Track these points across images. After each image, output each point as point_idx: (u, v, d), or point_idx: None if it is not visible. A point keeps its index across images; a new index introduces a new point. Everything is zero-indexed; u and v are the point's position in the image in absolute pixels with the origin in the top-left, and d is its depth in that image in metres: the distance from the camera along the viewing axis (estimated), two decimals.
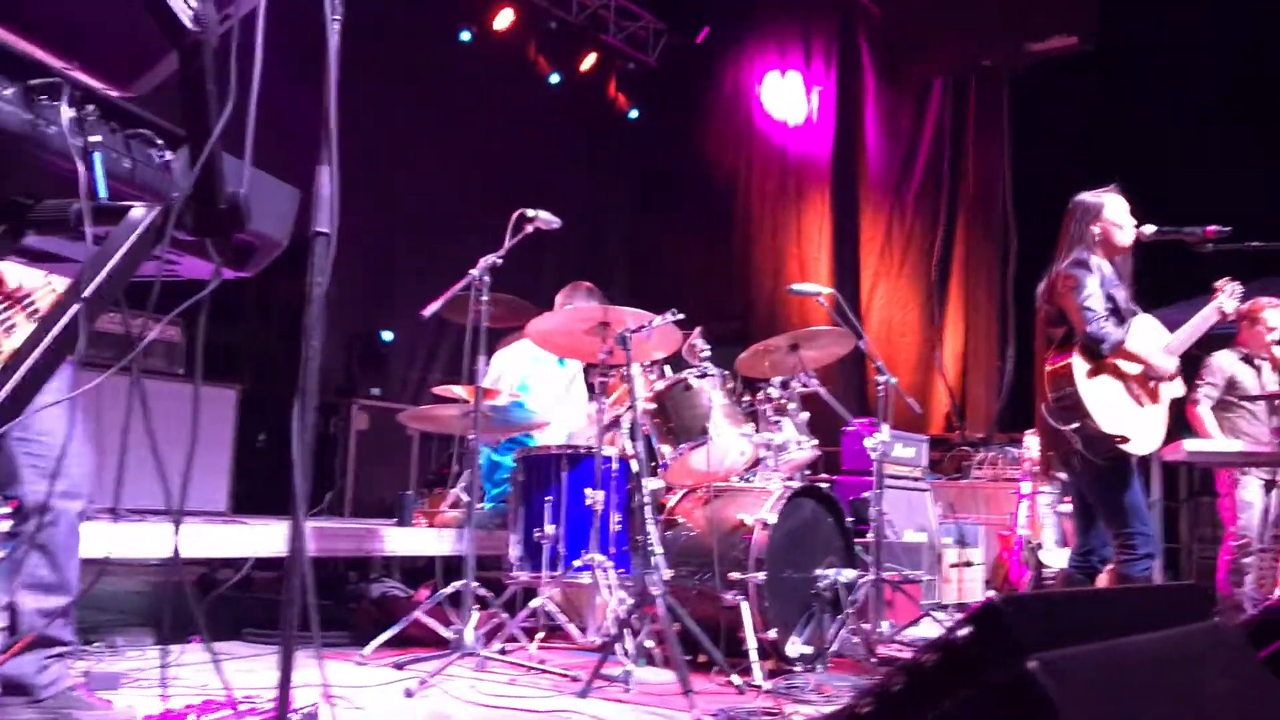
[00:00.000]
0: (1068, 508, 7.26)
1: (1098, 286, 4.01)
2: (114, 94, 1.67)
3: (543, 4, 9.85)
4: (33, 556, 2.80)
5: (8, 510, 3.18)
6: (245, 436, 6.54)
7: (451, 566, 4.52)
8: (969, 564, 7.41)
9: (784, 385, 4.85)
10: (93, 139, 1.42)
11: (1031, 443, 6.61)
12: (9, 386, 1.26)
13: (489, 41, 9.49)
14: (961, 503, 8.00)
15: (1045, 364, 4.14)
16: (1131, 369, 4.08)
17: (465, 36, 9.33)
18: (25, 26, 1.55)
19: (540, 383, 5.58)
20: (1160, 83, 8.03)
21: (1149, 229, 4.15)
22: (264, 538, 4.28)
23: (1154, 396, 4.15)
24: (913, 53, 9.89)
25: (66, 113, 1.38)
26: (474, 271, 4.34)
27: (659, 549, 4.02)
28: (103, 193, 1.42)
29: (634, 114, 11.20)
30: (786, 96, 10.60)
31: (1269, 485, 5.40)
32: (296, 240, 1.82)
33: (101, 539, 3.29)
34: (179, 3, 1.36)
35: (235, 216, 1.42)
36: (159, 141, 1.54)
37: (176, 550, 1.49)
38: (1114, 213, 4.14)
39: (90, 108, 1.42)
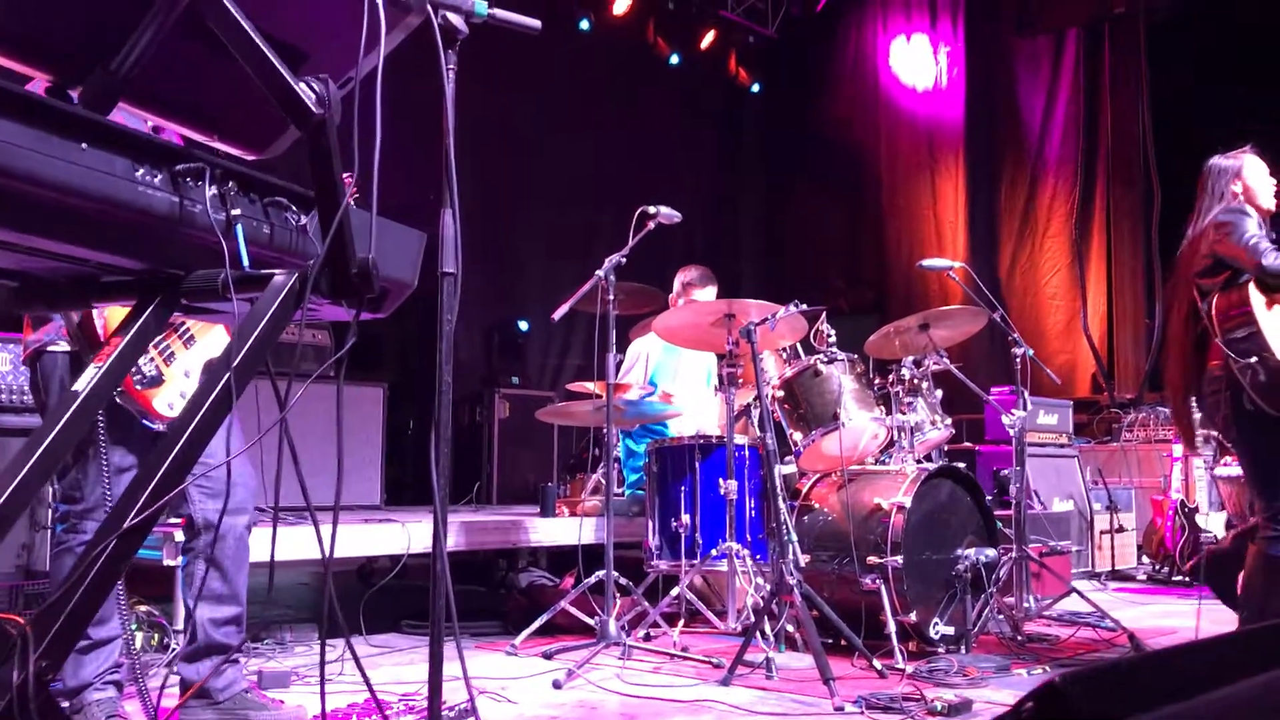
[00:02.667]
0: (1224, 470, 7.00)
1: (1258, 226, 3.71)
2: (250, 158, 1.82)
3: None
4: (205, 570, 3.03)
5: (176, 524, 3.44)
6: (394, 432, 6.83)
7: (594, 554, 4.65)
8: (1121, 530, 7.21)
9: (916, 365, 4.81)
10: (234, 212, 1.54)
11: None
12: (174, 452, 1.40)
13: (608, 27, 9.57)
14: (1111, 467, 7.77)
15: (1212, 309, 3.73)
16: None
17: (585, 25, 9.43)
18: (169, 109, 1.70)
19: (671, 372, 5.64)
20: None
21: None
22: (416, 534, 4.49)
23: None
24: (1043, 3, 9.59)
25: (209, 191, 1.50)
26: (599, 272, 4.43)
27: (794, 536, 4.06)
28: (245, 261, 1.54)
29: (756, 88, 11.14)
30: (914, 60, 10.38)
31: None
32: (433, 237, 1.92)
33: (263, 542, 3.50)
34: (302, 87, 1.46)
35: (366, 280, 1.53)
36: (293, 207, 1.66)
37: (328, 558, 1.62)
38: (1253, 173, 3.93)
39: (230, 184, 1.55)
